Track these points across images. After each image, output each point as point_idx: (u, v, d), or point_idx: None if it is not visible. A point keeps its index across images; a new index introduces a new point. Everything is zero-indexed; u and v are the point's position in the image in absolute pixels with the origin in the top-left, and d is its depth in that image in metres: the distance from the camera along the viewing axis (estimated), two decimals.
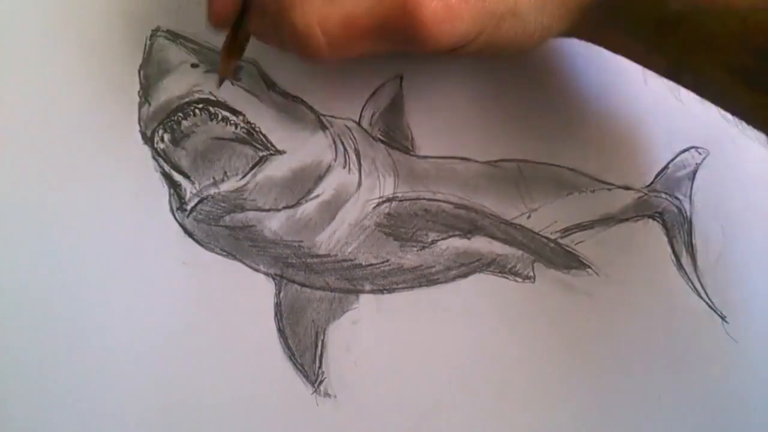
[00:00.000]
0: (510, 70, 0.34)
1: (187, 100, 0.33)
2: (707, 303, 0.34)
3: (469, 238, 0.34)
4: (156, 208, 0.33)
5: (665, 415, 0.33)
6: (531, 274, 0.34)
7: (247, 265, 0.33)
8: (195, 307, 0.33)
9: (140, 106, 0.33)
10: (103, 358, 0.32)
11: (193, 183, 0.33)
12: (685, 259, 0.34)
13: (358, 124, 0.34)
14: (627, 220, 0.34)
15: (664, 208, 0.35)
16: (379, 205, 0.34)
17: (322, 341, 0.33)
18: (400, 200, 0.34)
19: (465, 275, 0.34)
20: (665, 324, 0.34)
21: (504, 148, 0.34)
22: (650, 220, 0.35)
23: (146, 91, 0.33)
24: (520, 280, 0.34)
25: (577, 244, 0.34)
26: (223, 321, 0.33)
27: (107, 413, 0.32)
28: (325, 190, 0.33)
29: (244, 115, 0.33)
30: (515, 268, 0.34)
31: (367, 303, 0.33)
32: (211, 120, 0.33)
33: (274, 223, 0.33)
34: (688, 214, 0.35)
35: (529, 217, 0.34)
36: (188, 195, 0.33)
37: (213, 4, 0.27)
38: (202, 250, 0.33)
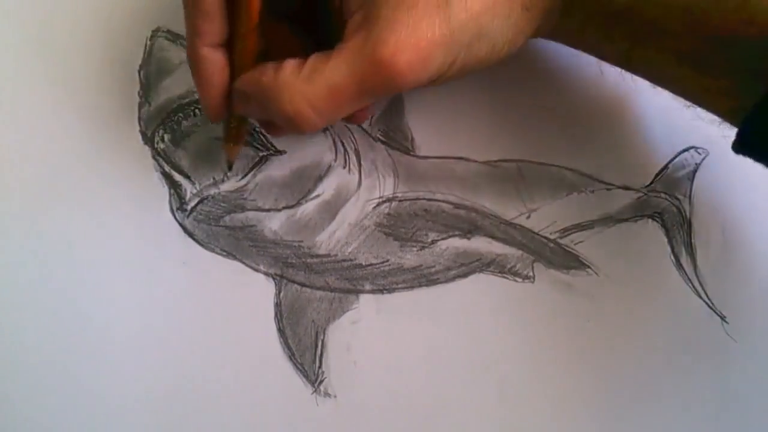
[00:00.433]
0: (509, 71, 0.34)
1: (187, 100, 0.33)
2: (707, 303, 0.34)
3: (468, 238, 0.34)
4: (156, 208, 0.33)
5: (665, 415, 0.33)
6: (531, 274, 0.34)
7: (247, 265, 0.33)
8: (195, 307, 0.33)
9: (140, 106, 0.33)
10: (103, 358, 0.32)
11: (193, 183, 0.33)
12: (685, 260, 0.34)
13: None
14: (626, 220, 0.34)
15: (664, 208, 0.35)
16: (379, 205, 0.34)
17: (322, 341, 0.33)
18: (400, 200, 0.34)
19: (465, 275, 0.34)
20: (665, 324, 0.34)
21: (503, 148, 0.34)
22: (650, 221, 0.35)
23: (146, 92, 0.33)
24: (519, 280, 0.34)
25: (576, 244, 0.34)
26: (223, 321, 0.33)
27: (107, 413, 0.32)
28: (325, 190, 0.33)
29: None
30: (515, 268, 0.34)
31: (367, 303, 0.33)
32: None
33: (274, 223, 0.33)
34: (688, 214, 0.35)
35: (528, 217, 0.34)
36: (188, 195, 0.33)
37: (203, 101, 0.29)
38: (203, 250, 0.33)
